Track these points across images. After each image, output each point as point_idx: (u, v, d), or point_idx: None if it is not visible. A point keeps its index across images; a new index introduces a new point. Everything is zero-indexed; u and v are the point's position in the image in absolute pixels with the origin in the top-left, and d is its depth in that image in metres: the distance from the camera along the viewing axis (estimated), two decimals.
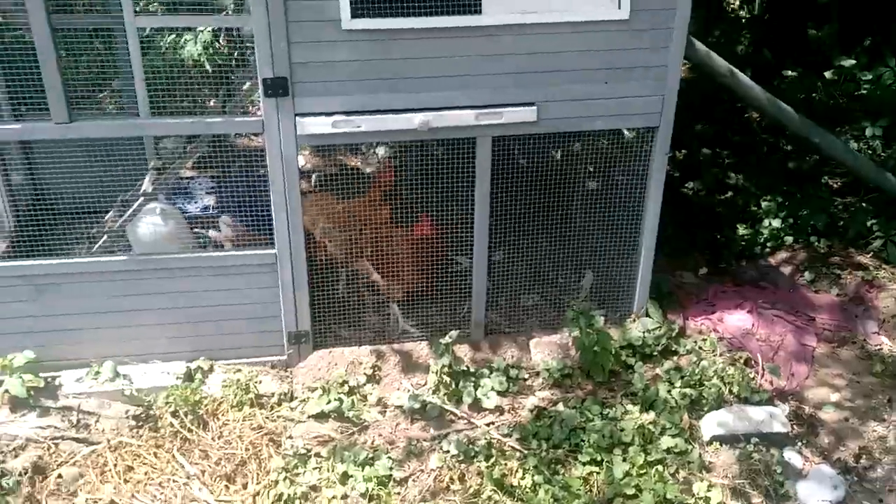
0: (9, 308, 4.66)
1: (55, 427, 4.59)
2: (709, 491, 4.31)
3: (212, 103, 6.73)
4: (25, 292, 4.63)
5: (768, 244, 6.31)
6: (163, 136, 5.19)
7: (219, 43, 6.91)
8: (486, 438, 4.58)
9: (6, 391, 4.59)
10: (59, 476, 4.33)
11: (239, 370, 4.90)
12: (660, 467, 4.39)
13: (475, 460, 4.47)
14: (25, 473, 4.29)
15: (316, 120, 4.39)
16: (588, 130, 4.84)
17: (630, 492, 4.27)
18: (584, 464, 4.43)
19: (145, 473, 4.37)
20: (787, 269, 6.14)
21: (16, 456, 4.42)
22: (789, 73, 8.47)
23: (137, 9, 5.36)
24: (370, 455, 4.46)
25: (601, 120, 4.72)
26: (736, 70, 6.32)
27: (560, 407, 4.78)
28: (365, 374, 4.93)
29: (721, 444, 4.59)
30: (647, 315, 5.29)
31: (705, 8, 8.70)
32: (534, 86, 4.55)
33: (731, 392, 4.86)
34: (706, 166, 7.13)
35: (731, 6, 10.35)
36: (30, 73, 4.71)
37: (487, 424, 4.71)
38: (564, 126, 4.72)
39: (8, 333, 4.69)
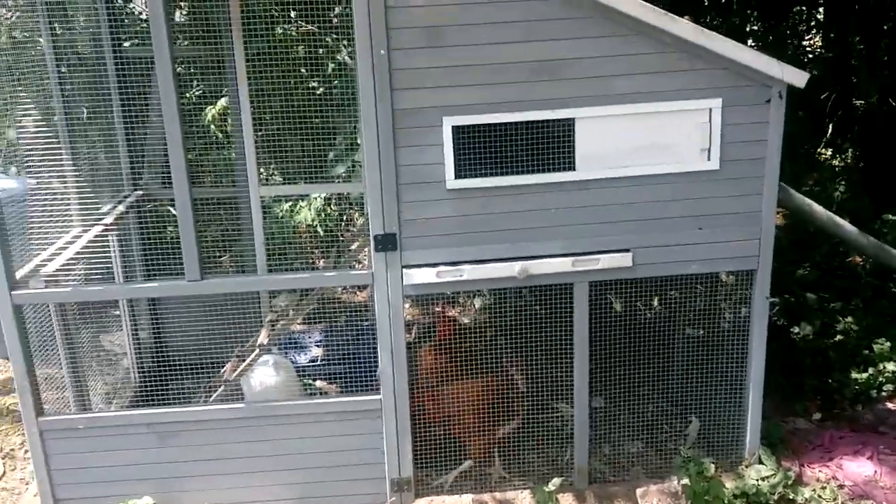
0: (131, 455, 4.88)
1: None
2: None
3: (321, 263, 7.20)
4: (148, 440, 4.86)
5: (884, 388, 6.03)
6: (279, 291, 5.56)
7: (329, 207, 7.49)
8: None
9: None
10: None
11: None
12: None
13: None
14: None
15: (421, 271, 4.65)
16: (684, 274, 4.92)
17: None
18: None
19: None
20: None
21: None
22: (890, 217, 8.38)
23: (262, 180, 5.94)
24: None
25: (697, 264, 4.80)
26: (835, 216, 6.34)
27: None
28: None
29: None
30: (760, 462, 5.08)
31: (794, 156, 8.83)
32: (628, 233, 4.71)
33: None
34: (812, 310, 7.00)
35: (824, 156, 10.46)
36: (165, 237, 5.26)
37: None
38: (661, 270, 4.82)
39: (129, 480, 4.89)
